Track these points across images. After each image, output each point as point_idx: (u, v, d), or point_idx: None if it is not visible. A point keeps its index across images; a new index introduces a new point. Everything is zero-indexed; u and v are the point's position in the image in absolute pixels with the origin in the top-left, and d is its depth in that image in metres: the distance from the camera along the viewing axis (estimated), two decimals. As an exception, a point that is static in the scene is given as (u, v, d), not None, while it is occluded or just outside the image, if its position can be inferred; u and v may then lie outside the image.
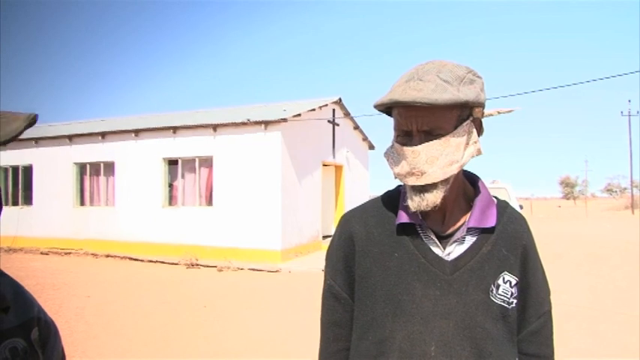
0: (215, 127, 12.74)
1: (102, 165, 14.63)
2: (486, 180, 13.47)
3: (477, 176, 1.23)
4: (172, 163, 13.66)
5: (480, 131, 1.13)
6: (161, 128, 13.49)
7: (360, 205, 1.29)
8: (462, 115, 1.07)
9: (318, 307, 1.31)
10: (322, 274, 1.36)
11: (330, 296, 1.24)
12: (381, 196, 1.26)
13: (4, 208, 14.95)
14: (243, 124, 12.35)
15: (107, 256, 13.30)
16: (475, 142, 1.11)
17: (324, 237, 14.50)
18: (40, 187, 15.43)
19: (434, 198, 1.07)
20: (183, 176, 13.44)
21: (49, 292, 8.38)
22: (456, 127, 1.06)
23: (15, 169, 16.08)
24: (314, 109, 13.49)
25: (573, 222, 28.47)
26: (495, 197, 1.22)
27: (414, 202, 1.08)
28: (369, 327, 1.14)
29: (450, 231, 1.14)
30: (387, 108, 1.12)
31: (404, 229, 1.15)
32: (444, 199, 1.09)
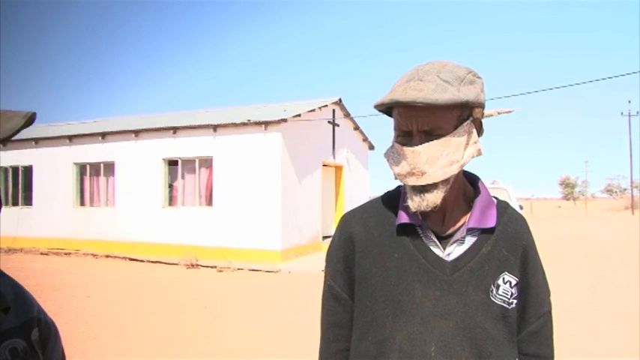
0: (215, 127, 12.74)
1: (102, 165, 14.63)
2: (486, 180, 13.47)
3: (476, 177, 1.23)
4: (172, 163, 13.66)
5: (480, 132, 1.13)
6: (161, 129, 13.49)
7: (360, 206, 1.29)
8: (462, 115, 1.08)
9: (318, 308, 1.31)
10: (322, 274, 1.36)
11: (330, 297, 1.24)
12: (381, 196, 1.26)
13: (4, 208, 14.97)
14: (244, 124, 12.35)
15: (107, 256, 13.30)
16: (475, 143, 1.11)
17: (324, 237, 14.50)
18: (40, 188, 15.43)
19: (434, 198, 1.07)
20: (183, 176, 13.44)
21: (49, 292, 8.38)
22: (456, 128, 1.06)
23: (15, 169, 16.08)
24: (314, 110, 13.50)
25: (573, 222, 28.46)
26: (495, 198, 1.22)
27: (414, 203, 1.09)
28: (369, 327, 1.14)
29: (450, 231, 1.14)
30: (387, 108, 1.12)
31: (404, 230, 1.15)
32: (444, 199, 1.09)
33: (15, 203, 15.87)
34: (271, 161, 12.07)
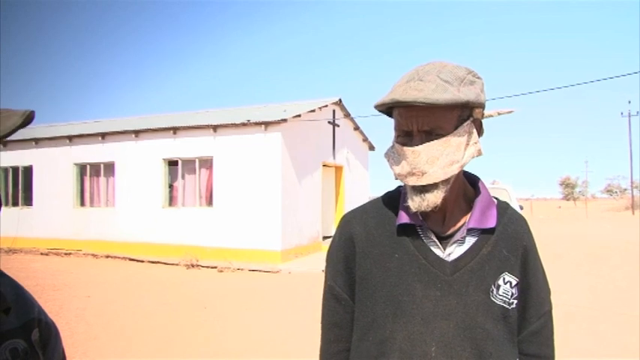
0: (215, 127, 12.74)
1: (102, 166, 14.63)
2: (486, 181, 13.47)
3: (477, 177, 1.23)
4: (172, 163, 13.66)
5: (480, 132, 1.13)
6: (161, 129, 13.49)
7: (361, 206, 1.29)
8: (463, 115, 1.08)
9: (318, 308, 1.31)
10: (322, 274, 1.36)
11: (330, 297, 1.24)
12: (382, 196, 1.26)
13: (5, 208, 14.98)
14: (244, 124, 12.35)
15: (107, 256, 13.30)
16: (475, 143, 1.11)
17: (324, 238, 14.50)
18: (40, 188, 15.43)
19: (434, 198, 1.07)
20: (183, 177, 13.44)
21: (50, 292, 8.38)
22: (456, 128, 1.06)
23: (15, 169, 16.08)
24: (314, 110, 13.50)
25: (573, 223, 28.46)
26: (496, 198, 1.22)
27: (415, 203, 1.09)
28: (370, 328, 1.14)
29: (450, 232, 1.14)
30: (387, 108, 1.12)
31: (404, 230, 1.15)
32: (444, 199, 1.09)
33: (15, 203, 15.87)
34: (271, 161, 12.07)
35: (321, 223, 14.45)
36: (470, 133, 1.09)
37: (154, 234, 13.32)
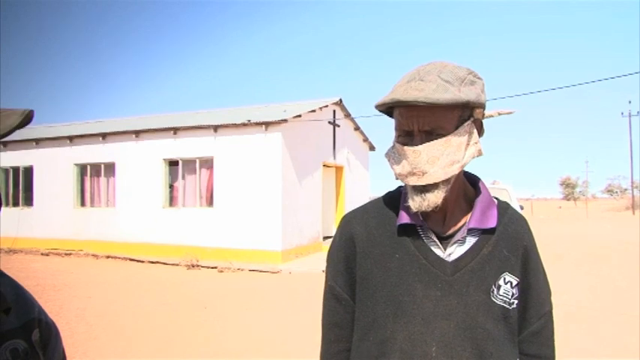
0: (216, 128, 12.74)
1: (102, 166, 14.63)
2: (487, 181, 13.45)
3: (477, 177, 1.23)
4: (173, 163, 13.66)
5: (480, 132, 1.14)
6: (162, 129, 13.49)
7: (361, 206, 1.29)
8: (463, 115, 1.08)
9: (318, 308, 1.31)
10: (323, 275, 1.36)
11: (331, 297, 1.24)
12: (382, 196, 1.26)
13: (5, 209, 14.97)
14: (244, 125, 12.35)
15: (108, 257, 13.30)
16: (476, 143, 1.11)
17: (325, 238, 14.50)
18: (40, 188, 15.43)
19: (435, 198, 1.07)
20: (183, 177, 13.44)
21: (50, 293, 8.38)
22: (457, 128, 1.06)
23: (15, 170, 16.09)
24: (314, 110, 13.50)
25: (574, 223, 28.45)
26: (496, 198, 1.22)
27: (416, 203, 1.09)
28: (370, 328, 1.14)
29: (450, 232, 1.14)
30: (388, 108, 1.12)
31: (405, 230, 1.15)
32: (444, 199, 1.09)
33: (15, 204, 15.88)
34: (272, 162, 12.07)
35: (322, 224, 14.45)
36: (470, 133, 1.09)
37: (155, 234, 13.32)
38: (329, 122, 14.73)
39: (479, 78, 1.11)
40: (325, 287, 1.27)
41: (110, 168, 14.51)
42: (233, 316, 6.77)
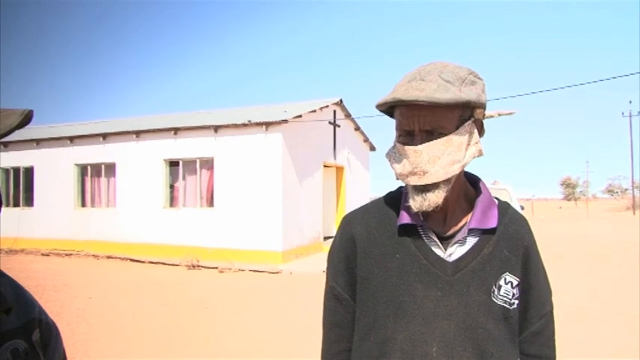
0: (216, 128, 12.74)
1: (103, 166, 14.64)
2: (487, 181, 13.46)
3: (477, 177, 1.23)
4: (173, 164, 13.66)
5: (481, 132, 1.14)
6: (162, 129, 13.49)
7: (362, 207, 1.29)
8: (464, 115, 1.08)
9: (318, 308, 1.31)
10: (323, 275, 1.36)
11: (331, 297, 1.24)
12: (383, 197, 1.27)
13: (5, 209, 14.98)
14: (244, 125, 12.36)
15: (108, 257, 13.30)
16: (476, 143, 1.11)
17: (325, 238, 14.49)
18: (41, 189, 15.44)
19: (436, 198, 1.07)
20: (184, 177, 13.45)
21: (50, 293, 8.39)
22: (457, 127, 1.06)
23: (16, 170, 16.09)
24: (315, 111, 13.50)
25: (574, 223, 28.44)
26: (496, 198, 1.22)
27: (416, 203, 1.09)
28: (371, 328, 1.14)
29: (451, 232, 1.14)
30: (388, 108, 1.12)
31: (405, 230, 1.15)
32: (445, 199, 1.09)
33: (16, 204, 15.88)
34: (272, 162, 12.07)
35: (322, 224, 14.45)
36: (471, 133, 1.09)
37: (155, 234, 13.32)
38: (329, 122, 14.73)
39: (479, 78, 1.11)
40: (326, 287, 1.27)
41: (111, 168, 14.51)
42: (233, 317, 6.77)
